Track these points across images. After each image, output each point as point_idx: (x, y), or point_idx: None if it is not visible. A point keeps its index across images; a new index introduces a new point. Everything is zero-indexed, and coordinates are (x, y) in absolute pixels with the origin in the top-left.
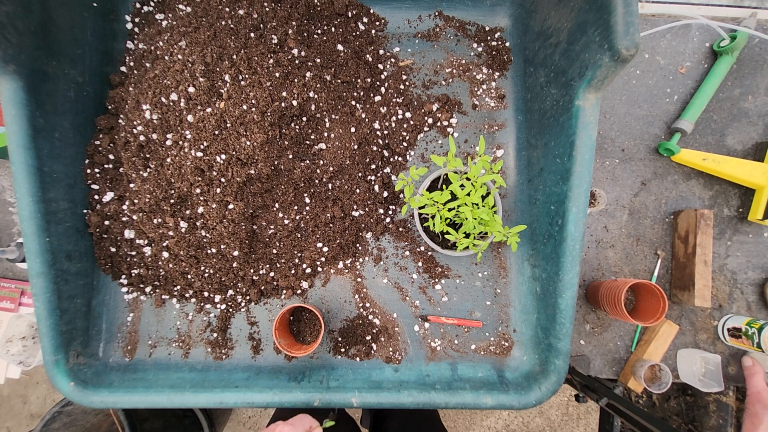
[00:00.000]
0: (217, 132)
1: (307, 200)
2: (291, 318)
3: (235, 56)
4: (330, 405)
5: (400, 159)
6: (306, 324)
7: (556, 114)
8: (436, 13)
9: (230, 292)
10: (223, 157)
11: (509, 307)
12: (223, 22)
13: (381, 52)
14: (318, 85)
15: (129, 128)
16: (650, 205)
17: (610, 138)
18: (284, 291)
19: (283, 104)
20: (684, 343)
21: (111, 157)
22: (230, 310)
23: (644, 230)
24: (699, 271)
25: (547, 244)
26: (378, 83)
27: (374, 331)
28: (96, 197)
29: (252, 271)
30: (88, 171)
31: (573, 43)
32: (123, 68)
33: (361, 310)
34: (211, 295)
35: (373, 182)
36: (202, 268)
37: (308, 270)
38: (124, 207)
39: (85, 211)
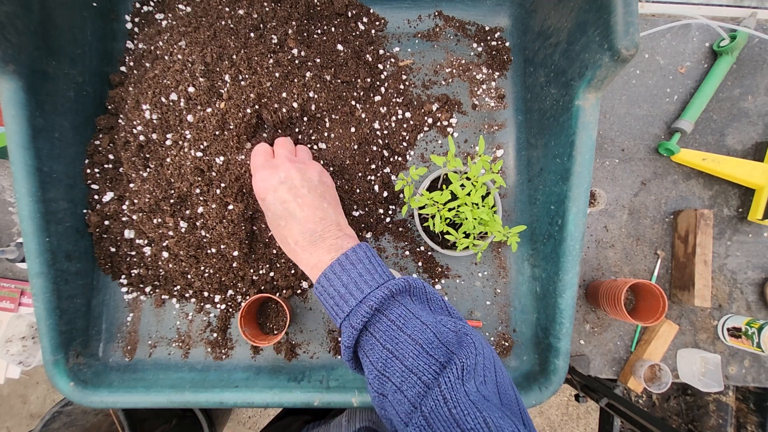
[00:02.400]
0: (217, 132)
1: None
2: (267, 310)
3: (235, 56)
4: (330, 405)
5: (400, 159)
6: (278, 316)
7: (556, 114)
8: (436, 13)
9: (230, 292)
10: (222, 158)
11: (509, 307)
12: (223, 22)
13: (381, 52)
14: (318, 85)
15: (129, 128)
16: (650, 205)
17: (610, 138)
18: (284, 291)
19: (283, 105)
20: (684, 342)
21: (111, 157)
22: (230, 310)
23: (644, 230)
24: (699, 271)
25: (547, 244)
26: (378, 83)
27: None
28: (96, 197)
29: (252, 271)
30: (88, 171)
31: (573, 43)
32: (123, 68)
33: None
34: (211, 295)
35: (372, 182)
36: (202, 268)
37: None
38: (124, 207)
39: (84, 211)
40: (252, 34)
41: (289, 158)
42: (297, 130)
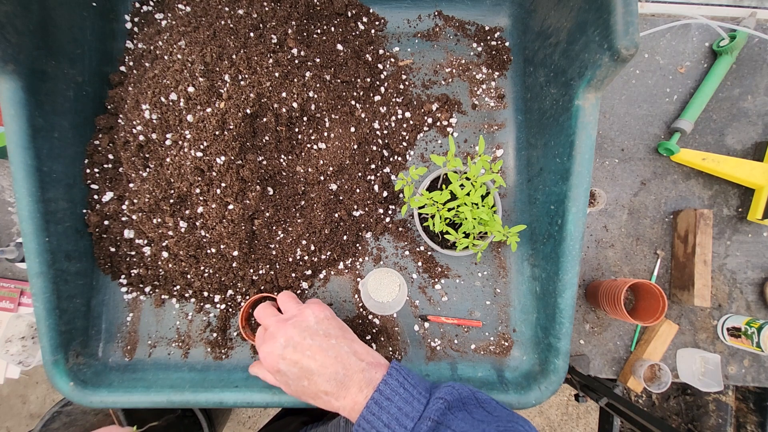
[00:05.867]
0: (217, 132)
1: None
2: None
3: (234, 56)
4: None
5: (399, 159)
6: None
7: (556, 114)
8: (436, 13)
9: (230, 292)
10: (223, 158)
11: (509, 306)
12: (223, 22)
13: (381, 51)
14: (318, 85)
15: (128, 128)
16: (650, 204)
17: (610, 138)
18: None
19: (283, 105)
20: (683, 342)
21: (110, 156)
22: (230, 310)
23: (644, 230)
24: (698, 271)
25: (546, 243)
26: (378, 83)
27: (374, 330)
28: (95, 197)
29: (252, 271)
30: (88, 171)
31: (572, 42)
32: (122, 68)
33: (361, 309)
34: (211, 295)
35: (372, 182)
36: (202, 267)
37: (308, 272)
38: (124, 207)
39: (84, 210)
40: (252, 34)
41: (278, 320)
42: (297, 130)
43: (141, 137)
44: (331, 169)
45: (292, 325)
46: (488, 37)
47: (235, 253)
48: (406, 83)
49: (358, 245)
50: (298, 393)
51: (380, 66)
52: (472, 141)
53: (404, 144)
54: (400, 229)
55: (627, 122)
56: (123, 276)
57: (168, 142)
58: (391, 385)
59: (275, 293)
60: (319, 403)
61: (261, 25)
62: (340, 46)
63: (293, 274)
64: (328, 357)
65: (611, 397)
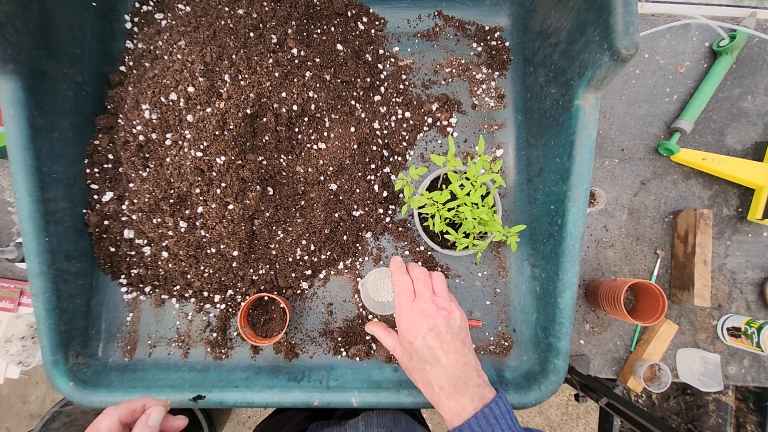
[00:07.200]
0: (217, 132)
1: None
2: (267, 310)
3: (234, 56)
4: (330, 405)
5: (399, 159)
6: (277, 316)
7: (556, 114)
8: (436, 13)
9: (230, 292)
10: (223, 158)
11: (509, 306)
12: (223, 22)
13: (380, 51)
14: (318, 85)
15: (128, 128)
16: (650, 204)
17: (610, 138)
18: (284, 291)
19: (283, 105)
20: (683, 342)
21: (110, 156)
22: (230, 310)
23: (644, 230)
24: (698, 271)
25: (546, 243)
26: (377, 83)
27: None
28: (95, 197)
29: (252, 271)
30: (88, 171)
31: (572, 42)
32: (122, 68)
33: (361, 309)
34: (211, 295)
35: (372, 182)
36: (202, 267)
37: (308, 272)
38: (124, 207)
39: (84, 210)
40: (251, 34)
41: (434, 301)
42: (297, 129)
43: (141, 137)
44: (331, 169)
45: (443, 317)
46: (488, 37)
47: (235, 253)
48: (406, 83)
49: (358, 245)
50: (415, 371)
51: (380, 66)
52: (472, 141)
53: (404, 144)
54: (400, 229)
55: (627, 122)
56: (123, 276)
57: (168, 142)
58: (501, 408)
59: (275, 293)
60: (427, 391)
61: (261, 25)
62: (340, 46)
63: (293, 274)
64: (458, 361)
65: (611, 397)
